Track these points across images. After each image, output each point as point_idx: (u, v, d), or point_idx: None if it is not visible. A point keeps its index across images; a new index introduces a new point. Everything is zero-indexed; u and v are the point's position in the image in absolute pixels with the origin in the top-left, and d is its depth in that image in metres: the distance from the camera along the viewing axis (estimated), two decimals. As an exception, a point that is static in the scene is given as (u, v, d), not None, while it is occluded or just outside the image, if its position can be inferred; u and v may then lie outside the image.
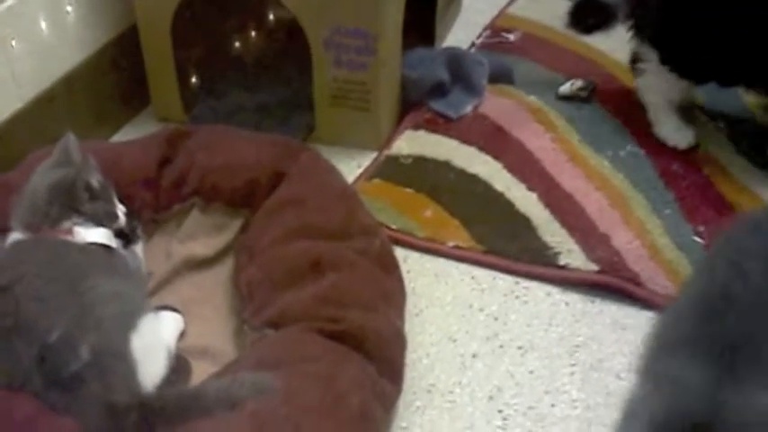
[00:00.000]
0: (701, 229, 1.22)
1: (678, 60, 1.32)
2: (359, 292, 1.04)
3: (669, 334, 0.80)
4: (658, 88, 1.38)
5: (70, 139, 1.10)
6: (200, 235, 1.22)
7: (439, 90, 1.50)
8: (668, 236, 1.21)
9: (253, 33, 1.69)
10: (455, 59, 1.53)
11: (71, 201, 1.05)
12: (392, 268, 1.12)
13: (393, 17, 1.38)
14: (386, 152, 1.41)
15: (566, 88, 1.52)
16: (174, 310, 1.10)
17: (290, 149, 1.25)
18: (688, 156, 1.36)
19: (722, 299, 0.74)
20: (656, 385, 0.75)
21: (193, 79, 1.54)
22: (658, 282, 1.13)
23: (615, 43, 1.64)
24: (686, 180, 1.31)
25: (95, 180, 1.09)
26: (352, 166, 1.39)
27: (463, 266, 1.21)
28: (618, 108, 1.48)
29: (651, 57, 1.34)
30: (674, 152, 1.37)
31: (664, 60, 1.32)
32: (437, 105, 1.49)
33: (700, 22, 1.25)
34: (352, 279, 1.06)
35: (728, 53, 1.25)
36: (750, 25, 1.22)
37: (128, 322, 0.95)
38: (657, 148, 1.38)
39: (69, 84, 1.39)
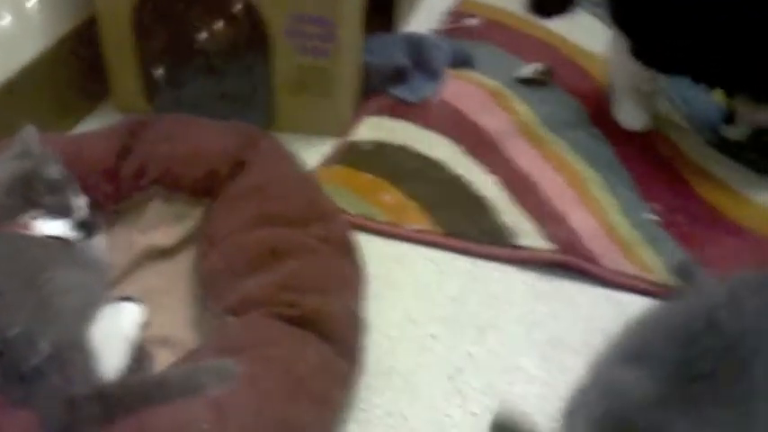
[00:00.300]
0: (656, 207, 1.23)
1: (644, 50, 1.31)
2: (317, 278, 1.05)
3: (633, 346, 0.80)
4: (624, 72, 1.37)
5: (29, 132, 1.09)
6: (161, 225, 1.22)
7: (400, 76, 1.50)
8: (624, 215, 1.22)
9: (216, 22, 1.68)
10: (415, 45, 1.53)
11: (29, 194, 1.05)
12: (351, 253, 1.12)
13: (353, 3, 1.38)
14: (347, 138, 1.41)
15: (525, 72, 1.53)
16: (136, 300, 1.10)
17: (250, 137, 1.25)
18: (645, 137, 1.37)
19: (708, 329, 0.74)
20: (604, 392, 0.75)
21: (156, 69, 1.53)
22: (614, 259, 1.14)
23: (575, 27, 1.65)
24: (643, 161, 1.32)
25: (55, 172, 1.09)
26: (313, 153, 1.39)
27: (423, 249, 1.22)
28: (577, 91, 1.49)
29: (620, 41, 1.33)
30: (631, 134, 1.38)
31: (631, 49, 1.31)
32: (398, 91, 1.49)
33: (665, 12, 1.24)
34: (311, 265, 1.07)
35: (694, 48, 1.24)
36: (716, 19, 1.20)
37: (87, 314, 0.94)
38: (616, 129, 1.39)
39: (29, 75, 1.37)
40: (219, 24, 1.63)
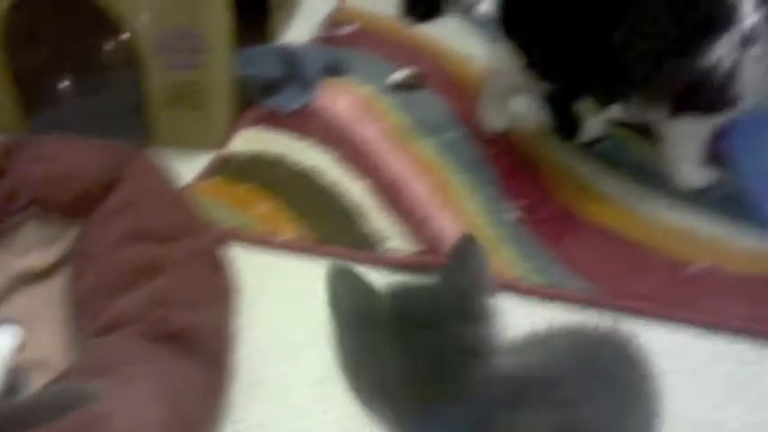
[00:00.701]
0: (519, 206, 1.28)
1: (538, 63, 1.31)
2: (187, 293, 1.06)
3: None
4: (504, 80, 1.39)
5: None
6: (36, 247, 1.21)
7: (274, 86, 1.51)
8: (487, 214, 1.26)
9: (93, 37, 1.66)
10: (288, 55, 1.54)
11: None
12: (222, 266, 1.13)
13: (221, 17, 1.39)
14: (223, 151, 1.42)
15: (397, 77, 1.56)
16: (11, 323, 1.09)
17: (122, 155, 1.25)
18: (508, 138, 1.41)
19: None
20: None
21: (31, 88, 1.51)
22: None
23: (445, 31, 1.69)
24: (506, 161, 1.36)
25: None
26: (191, 167, 1.39)
27: (296, 258, 1.23)
28: (446, 94, 1.52)
29: (506, 51, 1.33)
30: (496, 135, 1.42)
31: (525, 62, 1.31)
32: (272, 101, 1.50)
33: (559, 28, 1.25)
34: (181, 280, 1.08)
35: (588, 63, 1.25)
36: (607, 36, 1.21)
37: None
38: (481, 131, 1.42)
39: None
40: (93, 42, 1.62)
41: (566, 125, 1.39)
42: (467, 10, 1.76)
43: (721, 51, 1.14)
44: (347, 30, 1.73)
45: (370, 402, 0.73)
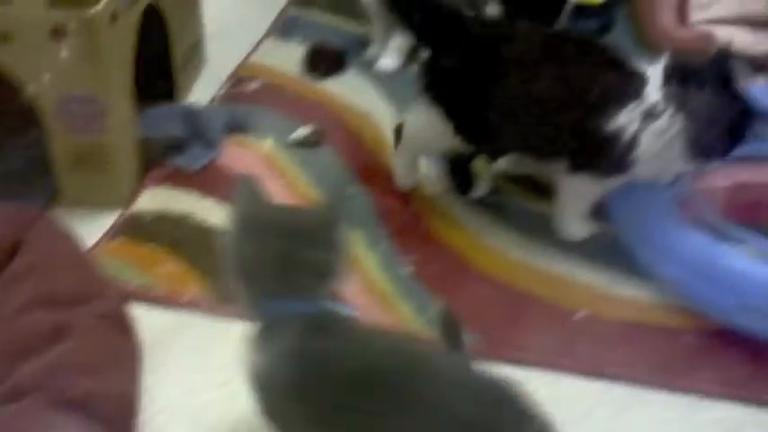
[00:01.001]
0: (412, 260, 1.32)
1: (464, 127, 1.33)
2: (90, 358, 1.08)
3: None
4: (427, 142, 1.41)
5: None
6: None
7: (178, 145, 1.54)
8: (383, 269, 1.30)
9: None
10: (191, 115, 1.58)
11: None
12: (126, 329, 1.15)
13: (121, 81, 1.41)
14: (128, 211, 1.44)
15: (297, 134, 1.60)
16: None
17: (25, 218, 1.26)
18: (402, 194, 1.46)
19: None
20: None
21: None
22: (373, 314, 1.22)
23: (346, 88, 1.74)
24: (400, 216, 1.41)
25: None
26: (96, 227, 1.41)
27: (200, 317, 1.26)
28: (345, 150, 1.56)
29: (431, 114, 1.34)
30: (389, 190, 1.46)
31: (454, 127, 1.33)
32: (177, 160, 1.53)
33: (483, 94, 1.28)
34: (85, 345, 1.09)
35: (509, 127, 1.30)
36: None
37: None
38: (376, 186, 1.47)
39: None
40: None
41: (462, 181, 1.44)
42: (368, 66, 1.82)
43: (624, 120, 1.20)
44: (251, 86, 1.76)
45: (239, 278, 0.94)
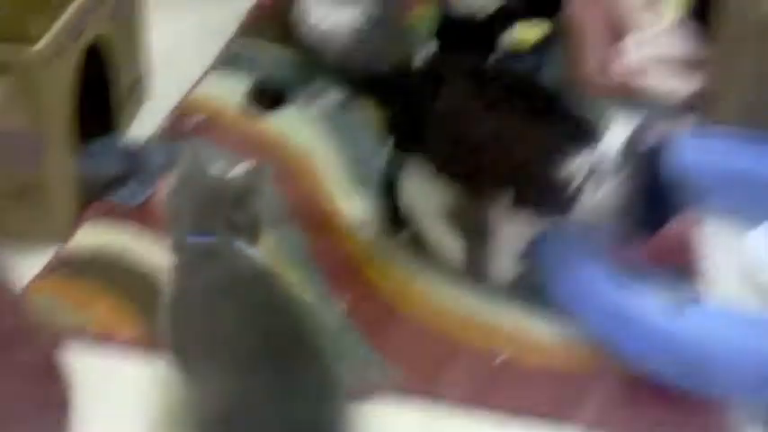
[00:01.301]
0: (344, 301, 1.34)
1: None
2: (19, 404, 1.07)
3: None
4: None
5: None
6: None
7: (118, 181, 1.54)
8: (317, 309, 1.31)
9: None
10: (130, 151, 1.58)
11: None
12: (57, 372, 1.15)
13: (61, 115, 1.41)
14: (65, 246, 1.43)
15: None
16: None
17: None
18: (337, 235, 1.48)
19: None
20: None
21: None
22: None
23: (290, 122, 1.75)
24: (332, 257, 1.43)
25: None
26: (32, 264, 1.40)
27: (136, 357, 1.26)
28: (287, 187, 1.57)
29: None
30: (325, 229, 1.48)
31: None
32: (116, 196, 1.53)
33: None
34: (13, 391, 1.08)
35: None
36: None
37: None
38: (312, 226, 1.49)
39: None
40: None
41: (397, 218, 1.46)
42: (311, 101, 1.84)
43: (575, 166, 1.23)
44: (193, 121, 1.77)
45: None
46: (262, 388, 0.95)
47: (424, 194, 1.37)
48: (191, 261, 1.08)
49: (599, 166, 1.22)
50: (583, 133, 1.24)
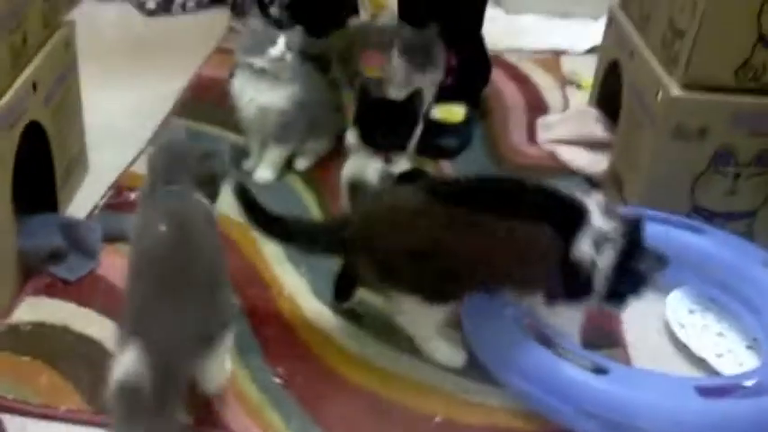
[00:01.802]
0: (281, 371, 1.36)
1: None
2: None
3: None
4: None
5: None
6: None
7: (58, 255, 1.54)
8: (253, 381, 1.33)
9: None
10: (69, 226, 1.59)
11: None
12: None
13: (0, 192, 1.41)
14: (5, 321, 1.42)
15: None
16: None
17: None
18: (275, 303, 1.50)
19: None
20: None
21: None
22: (243, 424, 1.26)
23: (225, 197, 1.76)
24: (271, 327, 1.45)
25: None
26: (-28, 338, 1.38)
27: (77, 429, 1.25)
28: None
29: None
30: (263, 299, 1.51)
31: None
32: (55, 270, 1.53)
33: None
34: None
35: None
36: None
37: None
38: (250, 295, 1.51)
39: None
40: None
41: (344, 289, 1.48)
42: (246, 177, 1.87)
43: (584, 247, 1.25)
44: (133, 196, 1.78)
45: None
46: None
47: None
48: (153, 203, 1.27)
49: (601, 241, 1.25)
50: (577, 212, 1.26)
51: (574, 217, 1.26)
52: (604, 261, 1.26)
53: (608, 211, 1.28)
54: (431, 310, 1.33)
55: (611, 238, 1.26)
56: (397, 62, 1.79)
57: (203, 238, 1.24)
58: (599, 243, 1.25)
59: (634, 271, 1.28)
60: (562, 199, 1.29)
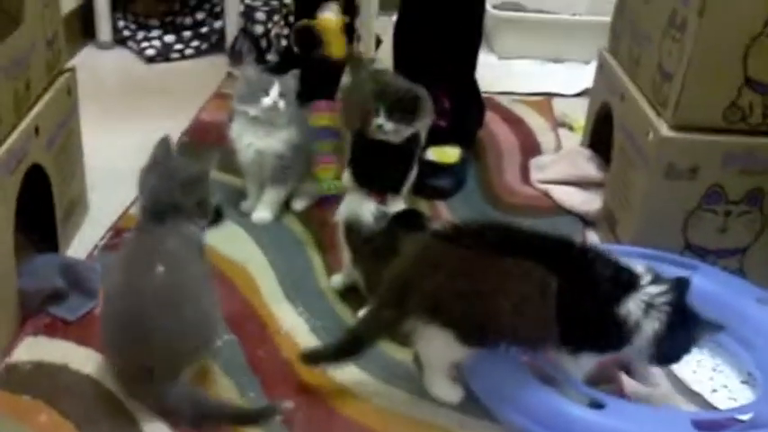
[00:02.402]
0: (282, 408, 1.35)
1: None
2: None
3: None
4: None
5: None
6: None
7: (58, 295, 1.54)
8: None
9: None
10: (69, 267, 1.59)
11: None
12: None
13: (2, 234, 1.41)
14: (5, 361, 1.42)
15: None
16: None
17: None
18: (273, 342, 1.50)
19: None
20: None
21: None
22: (242, 461, 1.24)
23: (224, 238, 1.78)
24: (269, 364, 1.45)
25: None
26: (-28, 378, 1.38)
27: (75, 468, 1.24)
28: (220, 299, 1.58)
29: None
30: (261, 338, 1.50)
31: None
32: (56, 310, 1.53)
33: None
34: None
35: None
36: None
37: None
38: (250, 335, 1.51)
39: None
40: None
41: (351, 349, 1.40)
42: (244, 217, 1.88)
43: (631, 307, 1.26)
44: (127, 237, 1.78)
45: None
46: None
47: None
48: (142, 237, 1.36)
49: (653, 302, 1.26)
50: (628, 275, 1.27)
51: (624, 279, 1.27)
52: (650, 325, 1.26)
53: (657, 278, 1.29)
54: (457, 348, 1.31)
55: (659, 305, 1.26)
56: (383, 121, 1.79)
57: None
58: (648, 308, 1.26)
59: (684, 336, 1.28)
60: (615, 262, 1.29)
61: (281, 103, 1.78)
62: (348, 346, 1.36)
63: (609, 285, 1.26)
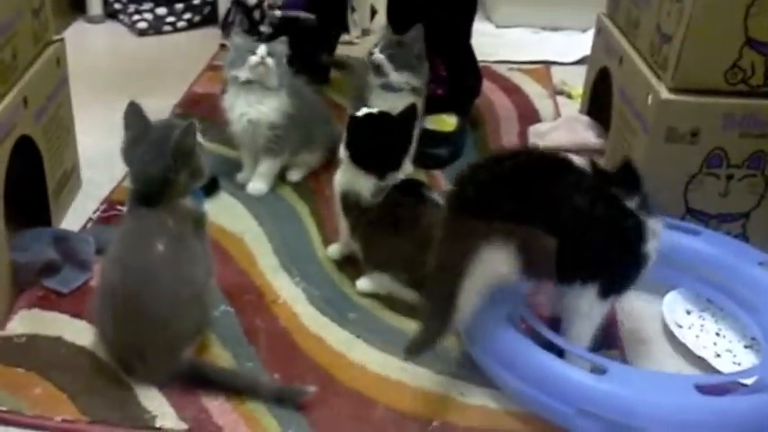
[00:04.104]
0: (277, 377, 1.35)
1: None
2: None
3: None
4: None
5: None
6: None
7: (50, 268, 1.53)
8: (249, 387, 1.31)
9: None
10: (62, 239, 1.58)
11: None
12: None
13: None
14: (0, 334, 1.41)
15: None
16: None
17: None
18: (270, 312, 1.49)
19: None
20: None
21: None
22: (238, 428, 1.23)
23: (220, 209, 1.76)
24: (266, 333, 1.43)
25: None
26: (-34, 352, 1.37)
27: (71, 439, 1.23)
28: (218, 269, 1.57)
29: None
30: (258, 309, 1.49)
31: None
32: (49, 283, 1.52)
33: None
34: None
35: None
36: None
37: None
38: (247, 305, 1.50)
39: None
40: None
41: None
42: (240, 189, 1.86)
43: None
44: (125, 209, 1.76)
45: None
46: None
47: None
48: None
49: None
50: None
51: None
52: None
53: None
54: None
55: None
56: (377, 57, 1.78)
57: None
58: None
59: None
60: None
61: (269, 60, 1.75)
62: (443, 314, 1.27)
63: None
